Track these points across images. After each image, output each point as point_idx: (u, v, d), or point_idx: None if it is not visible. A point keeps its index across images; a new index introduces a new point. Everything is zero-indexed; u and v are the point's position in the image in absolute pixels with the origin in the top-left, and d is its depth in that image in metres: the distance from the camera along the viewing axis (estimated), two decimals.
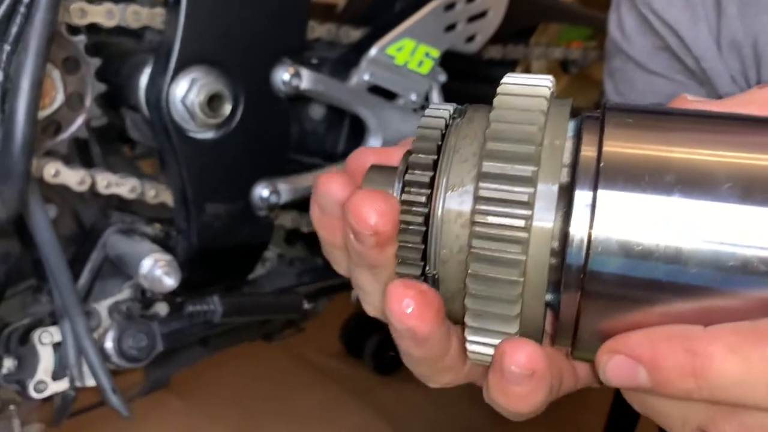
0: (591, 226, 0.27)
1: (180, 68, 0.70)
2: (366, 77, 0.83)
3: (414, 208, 0.31)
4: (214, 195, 0.76)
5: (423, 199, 0.31)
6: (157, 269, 0.72)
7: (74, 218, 0.80)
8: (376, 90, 0.85)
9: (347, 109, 0.85)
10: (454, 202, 0.31)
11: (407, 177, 0.31)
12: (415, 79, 0.87)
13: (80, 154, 0.76)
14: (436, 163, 0.31)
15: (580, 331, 0.30)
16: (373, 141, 0.87)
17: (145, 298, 0.79)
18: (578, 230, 0.27)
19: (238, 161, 0.76)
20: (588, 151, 0.28)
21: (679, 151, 0.28)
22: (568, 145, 0.30)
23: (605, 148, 0.28)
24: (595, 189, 0.27)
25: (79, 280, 0.76)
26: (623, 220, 0.27)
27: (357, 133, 0.89)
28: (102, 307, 0.77)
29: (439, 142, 0.32)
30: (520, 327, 0.30)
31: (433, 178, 0.31)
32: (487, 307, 0.30)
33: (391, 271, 0.33)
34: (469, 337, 0.31)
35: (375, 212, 0.31)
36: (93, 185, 0.73)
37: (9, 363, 0.74)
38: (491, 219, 0.29)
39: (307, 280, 0.92)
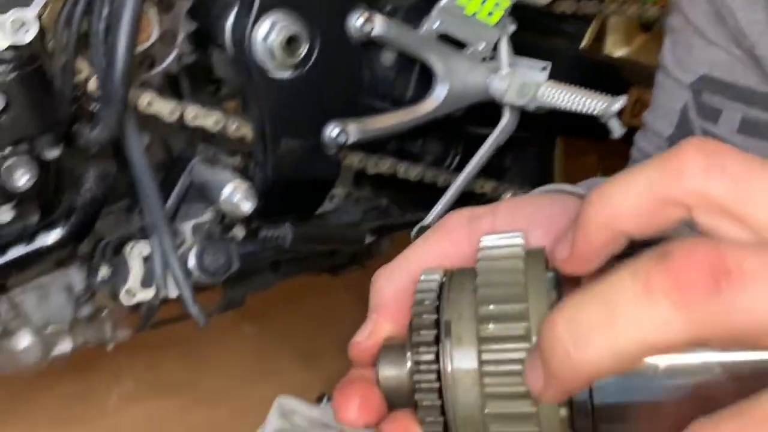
0: (591, 391, 0.31)
1: (262, 11, 0.76)
2: (436, 26, 0.87)
3: (424, 366, 0.33)
4: (289, 131, 0.82)
5: (432, 357, 0.33)
6: (236, 195, 0.80)
7: (164, 147, 0.88)
8: (446, 39, 0.89)
9: (417, 57, 0.89)
10: (460, 358, 0.33)
11: (413, 338, 0.34)
12: (484, 29, 0.90)
13: (171, 87, 0.84)
14: (437, 322, 0.34)
15: None
16: (441, 88, 0.91)
17: (224, 221, 0.87)
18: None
19: (311, 101, 0.82)
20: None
21: None
22: (551, 295, 0.33)
23: None
24: None
25: (167, 202, 0.85)
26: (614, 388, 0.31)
27: (426, 80, 0.93)
28: (186, 227, 0.85)
29: (437, 304, 0.34)
30: None
31: (437, 337, 0.33)
32: None
33: None
34: None
35: (353, 410, 0.34)
36: (182, 116, 0.80)
37: (104, 271, 0.83)
38: (498, 380, 0.31)
39: (371, 218, 0.98)
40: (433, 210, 0.95)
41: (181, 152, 0.88)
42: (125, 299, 0.83)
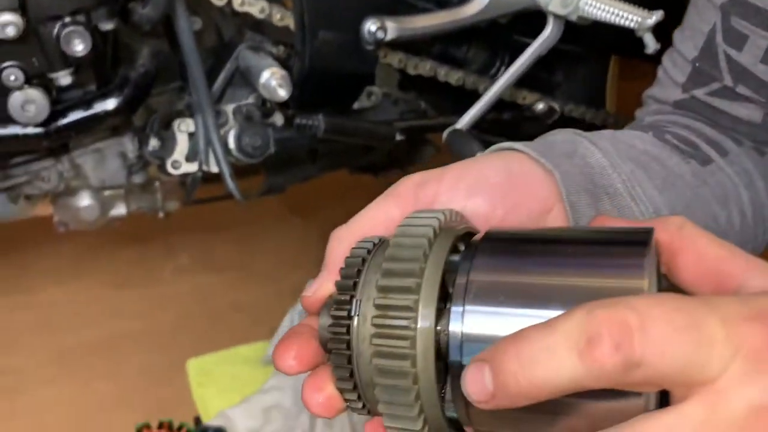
0: (462, 325, 0.36)
1: None
2: None
3: (339, 321, 0.40)
4: (326, 23, 0.86)
5: (345, 314, 0.39)
6: (273, 80, 0.85)
7: (215, 32, 0.94)
8: None
9: None
10: (365, 313, 0.39)
11: (335, 297, 0.40)
12: None
13: None
14: (356, 285, 0.40)
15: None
16: None
17: (264, 107, 0.93)
18: (453, 329, 0.37)
19: None
20: (461, 275, 0.37)
21: (530, 274, 0.37)
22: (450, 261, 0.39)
23: (472, 274, 0.37)
24: (463, 303, 0.37)
25: (213, 84, 0.92)
26: (485, 322, 0.36)
27: None
28: (229, 109, 0.92)
29: (360, 268, 0.40)
30: (422, 410, 0.38)
31: (353, 296, 0.40)
32: (392, 396, 0.38)
33: None
34: (387, 424, 0.39)
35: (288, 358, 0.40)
36: (230, 1, 0.85)
37: (154, 142, 0.92)
38: (385, 342, 0.37)
39: (408, 119, 1.02)
40: (465, 114, 0.98)
41: (230, 39, 0.93)
42: (171, 169, 0.91)
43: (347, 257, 0.42)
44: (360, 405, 0.40)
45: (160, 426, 0.91)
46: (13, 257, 1.27)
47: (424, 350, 0.37)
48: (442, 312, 0.37)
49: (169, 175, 0.92)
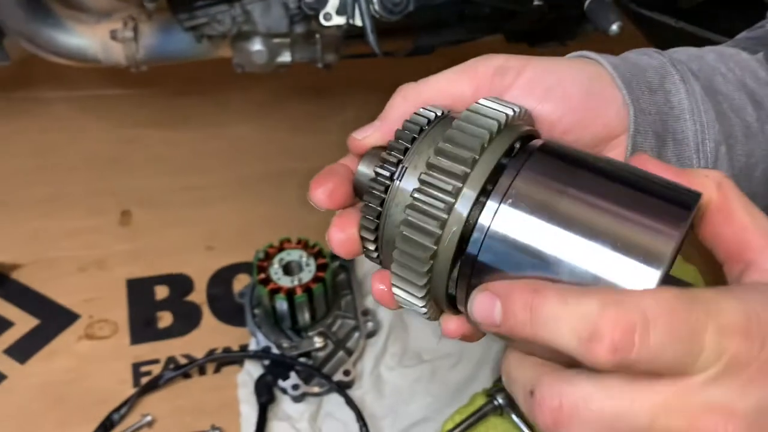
0: (491, 223, 0.38)
1: None
2: None
3: (379, 179, 0.41)
4: None
5: (387, 173, 0.41)
6: None
7: None
8: None
9: None
10: (407, 181, 0.40)
11: (382, 155, 0.41)
12: None
13: None
14: (406, 151, 0.41)
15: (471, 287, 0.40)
16: None
17: None
18: (482, 222, 0.38)
19: None
20: (506, 178, 0.38)
21: (567, 199, 0.37)
22: (501, 161, 0.39)
23: (517, 180, 0.38)
24: (500, 203, 0.38)
25: None
26: (512, 227, 0.37)
27: None
28: None
29: (416, 135, 0.41)
30: (429, 283, 0.40)
31: (400, 161, 0.41)
32: (408, 262, 0.39)
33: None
34: (394, 283, 0.41)
35: (321, 192, 0.44)
36: None
37: None
38: (425, 198, 0.39)
39: None
40: None
41: None
42: (323, 21, 1.02)
43: (407, 120, 0.42)
44: (375, 255, 0.44)
45: (298, 242, 1.08)
46: (212, 95, 1.49)
47: (450, 235, 0.39)
48: (478, 204, 0.39)
49: (321, 26, 1.03)
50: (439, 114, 0.43)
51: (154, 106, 1.46)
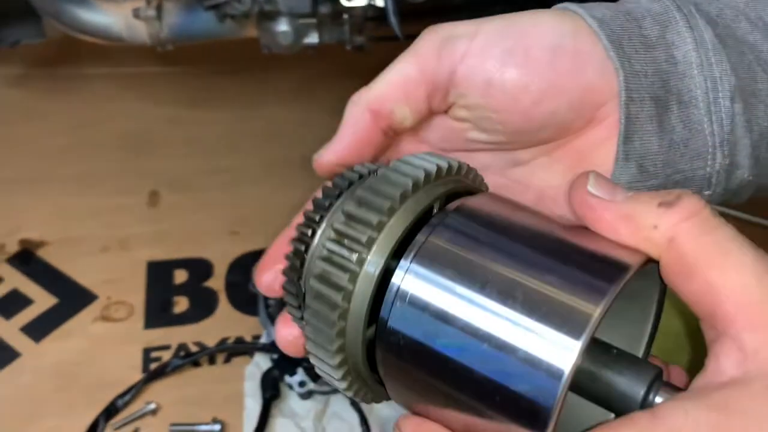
0: (402, 281, 0.35)
1: None
2: None
3: (302, 237, 0.39)
4: None
5: (309, 231, 0.39)
6: None
7: None
8: None
9: None
10: (324, 235, 0.38)
11: (306, 212, 0.39)
12: None
13: None
14: (330, 206, 0.38)
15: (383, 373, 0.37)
16: None
17: None
18: (394, 283, 0.35)
19: None
20: (421, 236, 0.36)
21: (478, 261, 0.34)
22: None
23: (429, 239, 0.35)
24: (411, 261, 0.35)
25: None
26: (422, 285, 0.35)
27: None
28: None
29: (343, 190, 0.39)
30: (343, 349, 0.36)
31: (322, 218, 0.38)
32: (318, 338, 0.36)
33: None
34: (308, 349, 0.38)
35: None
36: None
37: None
38: (328, 267, 0.36)
39: None
40: None
41: None
42: (345, 1, 0.97)
43: (337, 176, 0.41)
44: (299, 316, 0.41)
45: None
46: (251, 75, 1.46)
47: (362, 290, 0.36)
48: (391, 263, 0.36)
49: (344, 7, 0.98)
50: (372, 170, 0.41)
51: (193, 85, 1.45)
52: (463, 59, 0.39)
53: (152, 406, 0.96)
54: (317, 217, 0.39)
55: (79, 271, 1.12)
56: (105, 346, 1.03)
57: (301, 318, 0.39)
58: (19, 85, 1.43)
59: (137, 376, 0.99)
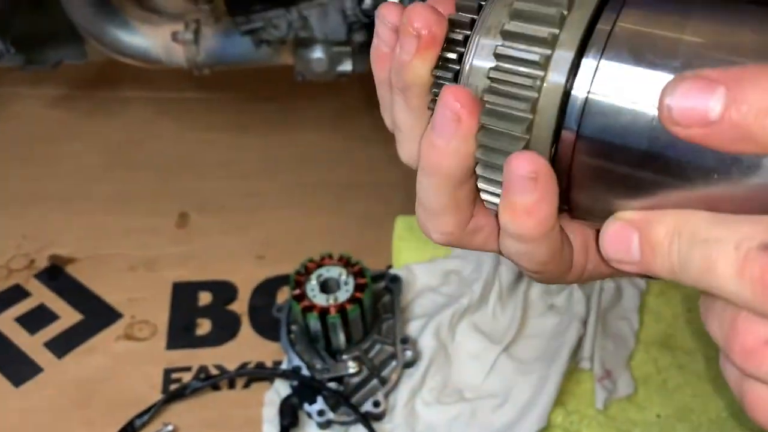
0: (589, 90, 0.30)
1: None
2: None
3: (447, 65, 0.34)
4: None
5: (455, 56, 0.33)
6: None
7: None
8: None
9: None
10: (480, 58, 0.32)
11: (447, 35, 0.34)
12: None
13: None
14: (473, 22, 0.33)
15: (574, 186, 0.32)
16: None
17: None
18: (579, 92, 0.30)
19: None
20: (604, 25, 0.30)
21: (683, 41, 0.28)
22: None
23: (618, 25, 0.29)
24: (599, 58, 0.29)
25: None
26: (619, 87, 0.29)
27: None
28: None
29: (482, 2, 0.33)
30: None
31: (467, 37, 0.33)
32: (495, 159, 0.32)
33: (422, 100, 0.36)
34: (481, 185, 0.34)
35: (422, 17, 0.33)
36: None
37: (368, 2, 0.98)
38: (505, 76, 0.31)
39: None
40: None
41: None
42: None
43: None
44: None
45: (340, 258, 1.03)
46: (286, 102, 1.47)
47: (545, 118, 0.31)
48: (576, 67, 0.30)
49: None
50: None
51: (228, 111, 1.46)
52: None
53: (170, 427, 0.95)
54: (461, 37, 0.34)
55: (106, 289, 1.12)
56: (127, 364, 1.03)
57: None
58: (60, 106, 1.46)
59: (157, 396, 0.98)
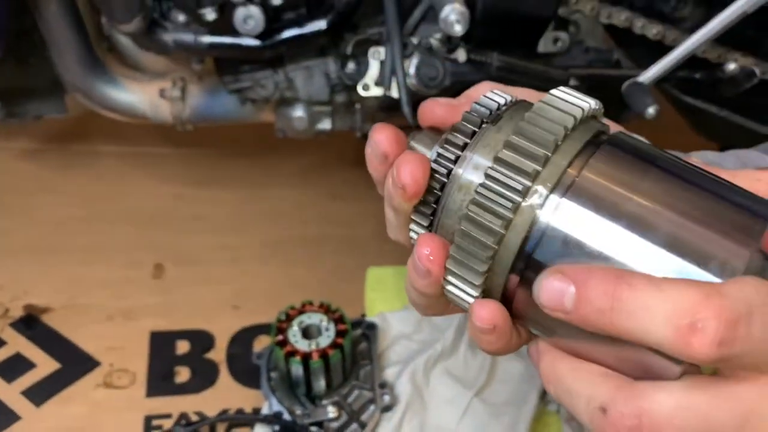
0: (549, 221, 0.36)
1: None
2: None
3: (443, 160, 0.39)
4: None
5: (452, 156, 0.39)
6: (452, 15, 0.93)
7: None
8: None
9: None
10: (471, 171, 0.38)
11: (447, 136, 0.39)
12: None
13: None
14: (473, 134, 0.39)
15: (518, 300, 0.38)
16: None
17: (449, 42, 1.01)
18: (541, 220, 0.36)
19: None
20: (573, 170, 0.36)
21: (636, 198, 0.34)
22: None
23: (583, 173, 0.36)
24: (562, 197, 0.35)
25: (408, 18, 1.02)
26: (574, 224, 0.35)
27: None
28: (415, 41, 1.02)
29: (485, 120, 0.39)
30: (485, 283, 0.38)
31: (466, 145, 0.39)
32: (465, 259, 0.37)
33: (408, 215, 0.42)
34: (448, 278, 0.40)
35: (409, 174, 0.39)
36: None
37: (351, 65, 1.05)
38: (490, 194, 0.36)
39: (597, 67, 1.03)
40: (650, 68, 0.96)
41: None
42: (361, 91, 1.04)
43: (476, 103, 0.40)
44: (423, 231, 0.41)
45: (321, 305, 1.07)
46: (258, 158, 1.52)
47: (523, 222, 0.36)
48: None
49: (360, 96, 1.05)
50: (509, 100, 0.41)
51: (201, 166, 1.50)
52: None
53: None
54: (460, 143, 0.39)
55: (83, 337, 1.13)
56: (106, 412, 1.03)
57: (429, 225, 0.40)
58: (34, 159, 1.48)
59: None
